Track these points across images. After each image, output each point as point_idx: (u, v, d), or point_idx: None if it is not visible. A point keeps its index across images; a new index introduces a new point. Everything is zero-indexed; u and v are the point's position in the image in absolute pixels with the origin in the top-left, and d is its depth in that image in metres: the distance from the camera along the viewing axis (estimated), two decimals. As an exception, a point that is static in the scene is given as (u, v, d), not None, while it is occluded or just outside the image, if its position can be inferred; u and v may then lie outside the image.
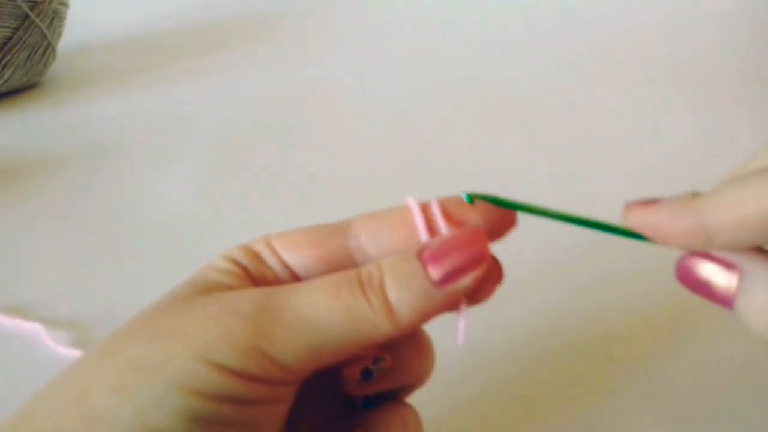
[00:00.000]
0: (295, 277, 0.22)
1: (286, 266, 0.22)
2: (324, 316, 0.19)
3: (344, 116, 0.57)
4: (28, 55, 0.59)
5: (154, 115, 0.58)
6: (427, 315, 0.19)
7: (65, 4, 0.63)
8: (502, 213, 0.22)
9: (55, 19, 0.61)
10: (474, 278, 0.19)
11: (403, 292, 0.19)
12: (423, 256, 0.19)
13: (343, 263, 0.21)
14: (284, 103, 0.60)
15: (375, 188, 0.46)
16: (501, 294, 0.21)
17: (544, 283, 0.36)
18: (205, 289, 0.20)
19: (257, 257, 0.22)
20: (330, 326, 0.19)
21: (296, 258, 0.22)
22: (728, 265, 0.18)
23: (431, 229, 0.21)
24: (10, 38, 0.58)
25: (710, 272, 0.19)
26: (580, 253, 0.38)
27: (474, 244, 0.20)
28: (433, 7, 0.85)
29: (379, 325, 0.19)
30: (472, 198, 0.21)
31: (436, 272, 0.19)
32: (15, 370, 0.32)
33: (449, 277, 0.19)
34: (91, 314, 0.36)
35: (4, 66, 0.58)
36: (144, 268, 0.39)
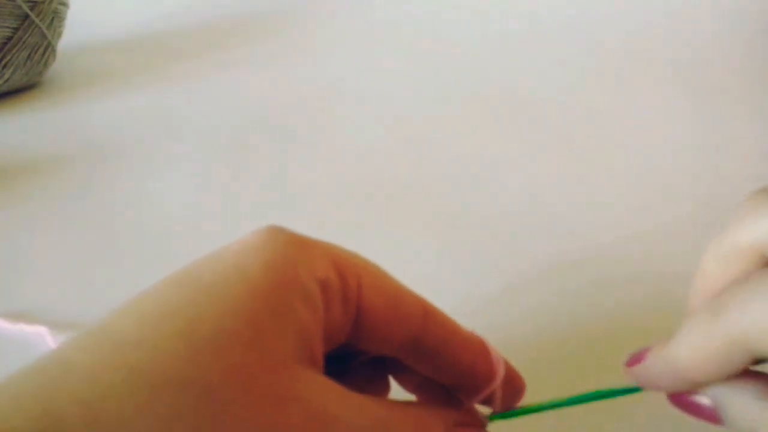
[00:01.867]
0: (355, 325, 0.20)
1: (356, 314, 0.20)
2: None
3: (344, 116, 0.57)
4: (28, 55, 0.59)
5: (154, 115, 0.58)
6: None
7: (65, 4, 0.63)
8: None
9: (55, 19, 0.61)
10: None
11: None
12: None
13: (403, 334, 0.21)
14: (284, 103, 0.60)
15: (376, 188, 0.46)
16: (503, 295, 0.21)
17: (544, 284, 0.36)
18: (278, 329, 0.17)
19: (346, 299, 0.19)
20: None
21: (370, 317, 0.20)
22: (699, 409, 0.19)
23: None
24: (10, 38, 0.58)
25: (696, 400, 0.20)
26: (581, 255, 0.38)
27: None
28: (434, 7, 0.85)
29: None
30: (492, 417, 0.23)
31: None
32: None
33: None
34: (94, 316, 0.36)
35: (4, 66, 0.58)
36: (144, 268, 0.39)
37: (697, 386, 0.19)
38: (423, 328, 0.21)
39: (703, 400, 0.19)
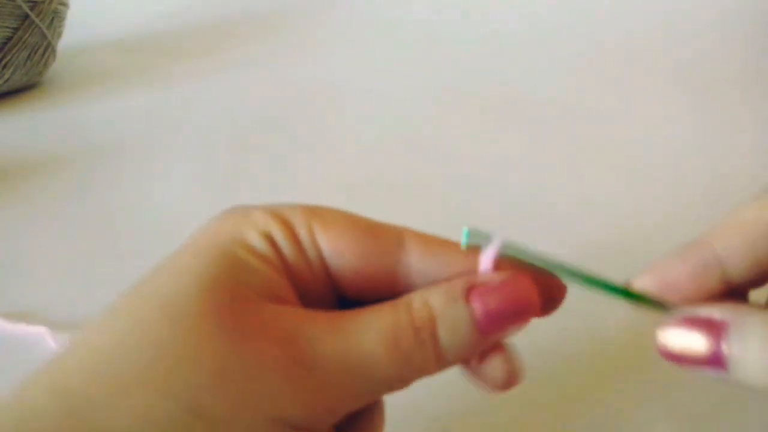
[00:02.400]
0: (326, 269, 0.21)
1: (321, 257, 0.21)
2: (381, 366, 0.19)
3: (344, 116, 0.57)
4: (28, 55, 0.59)
5: (154, 115, 0.58)
6: (469, 357, 0.20)
7: (65, 4, 0.63)
8: (552, 282, 0.21)
9: (55, 19, 0.61)
10: (520, 328, 0.20)
11: (453, 342, 0.19)
12: (473, 303, 0.19)
13: (384, 275, 0.21)
14: (284, 103, 0.60)
15: (376, 188, 0.46)
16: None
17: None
18: (240, 283, 0.19)
19: (297, 242, 0.21)
20: (382, 376, 0.19)
21: (336, 254, 0.21)
22: (709, 326, 0.18)
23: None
24: (10, 38, 0.58)
25: (685, 342, 0.18)
26: (581, 254, 0.38)
27: (523, 296, 0.20)
28: (434, 6, 0.85)
29: (426, 370, 0.19)
30: (469, 234, 0.20)
31: (485, 322, 0.19)
32: (21, 374, 0.32)
33: (498, 327, 0.20)
34: (95, 315, 0.36)
35: (4, 66, 0.58)
36: (144, 268, 0.39)
37: (731, 276, 0.18)
38: (403, 252, 0.21)
39: (715, 314, 0.18)
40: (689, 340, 0.18)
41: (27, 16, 0.58)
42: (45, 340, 0.34)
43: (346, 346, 0.18)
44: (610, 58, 0.67)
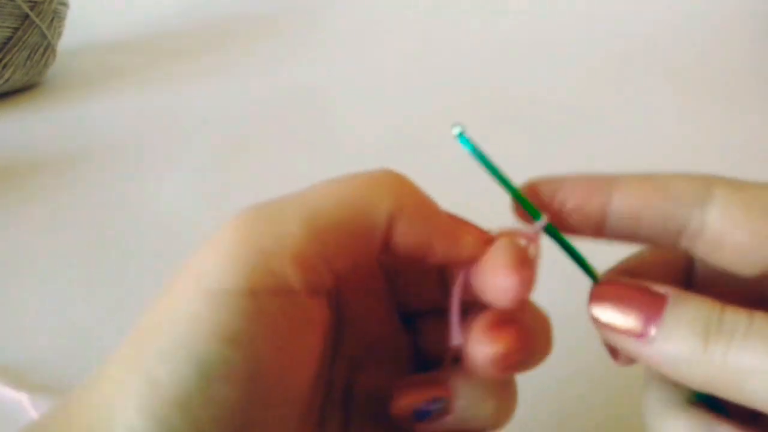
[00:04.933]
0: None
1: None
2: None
3: (345, 116, 0.57)
4: (28, 55, 0.59)
5: (154, 115, 0.58)
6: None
7: (65, 4, 0.63)
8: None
9: (55, 19, 0.61)
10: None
11: None
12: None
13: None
14: (284, 103, 0.60)
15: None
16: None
17: (545, 285, 0.36)
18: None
19: (323, 252, 0.19)
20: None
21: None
22: (647, 295, 0.18)
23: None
24: (10, 38, 0.58)
25: (618, 304, 0.18)
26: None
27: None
28: (433, 8, 0.85)
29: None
30: (462, 135, 0.21)
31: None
32: None
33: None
34: (96, 314, 0.36)
35: (4, 66, 0.58)
36: (144, 268, 0.39)
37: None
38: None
39: (660, 289, 0.18)
40: (621, 306, 0.18)
41: (27, 16, 0.58)
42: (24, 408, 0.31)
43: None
44: (611, 58, 0.67)
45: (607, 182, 0.20)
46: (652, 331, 0.17)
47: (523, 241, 0.20)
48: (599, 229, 0.20)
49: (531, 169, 0.52)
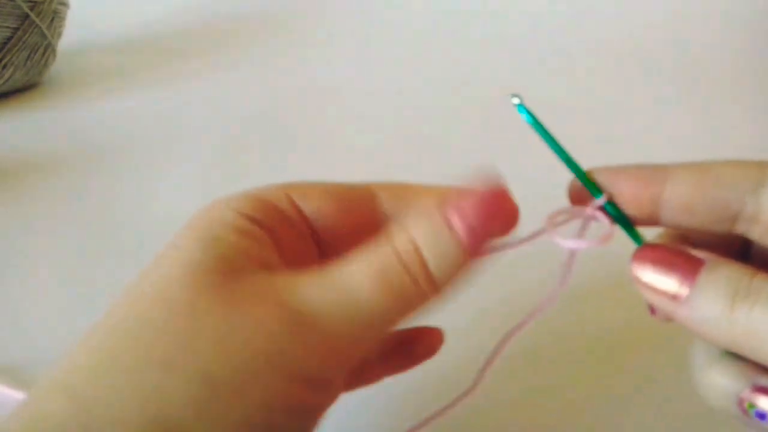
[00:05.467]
0: (312, 232, 0.22)
1: (305, 220, 0.21)
2: (375, 305, 0.19)
3: (344, 116, 0.57)
4: (28, 55, 0.59)
5: (154, 115, 0.58)
6: (460, 276, 0.20)
7: (65, 4, 0.63)
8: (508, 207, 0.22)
9: (55, 19, 0.61)
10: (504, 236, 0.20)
11: (442, 265, 0.19)
12: (454, 223, 0.19)
13: (365, 226, 0.22)
14: (284, 103, 0.60)
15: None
16: (506, 296, 0.21)
17: (545, 286, 0.36)
18: (225, 260, 0.19)
19: (277, 211, 0.21)
20: (378, 313, 0.19)
21: (318, 215, 0.22)
22: (685, 259, 0.19)
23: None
24: (10, 38, 0.58)
25: (659, 266, 0.19)
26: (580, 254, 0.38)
27: (501, 205, 0.20)
28: (433, 6, 0.85)
29: (423, 298, 0.19)
30: (521, 104, 0.22)
31: (469, 239, 0.19)
32: None
33: (482, 239, 0.20)
34: (94, 314, 0.36)
35: (4, 66, 0.58)
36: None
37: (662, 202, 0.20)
38: (376, 201, 0.22)
39: (698, 254, 0.19)
40: (661, 268, 0.19)
41: (27, 16, 0.58)
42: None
43: (336, 294, 0.19)
44: (610, 57, 0.67)
45: (659, 172, 0.20)
46: (686, 292, 0.18)
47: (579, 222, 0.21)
48: (654, 218, 0.20)
49: (533, 170, 0.52)
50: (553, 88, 0.61)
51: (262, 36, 0.76)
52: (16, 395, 0.31)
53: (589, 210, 0.21)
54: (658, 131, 0.53)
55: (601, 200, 0.21)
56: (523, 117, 0.22)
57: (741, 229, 0.20)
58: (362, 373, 0.24)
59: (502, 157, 0.51)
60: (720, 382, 0.18)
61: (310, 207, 0.22)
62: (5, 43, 0.58)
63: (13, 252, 0.41)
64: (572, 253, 0.21)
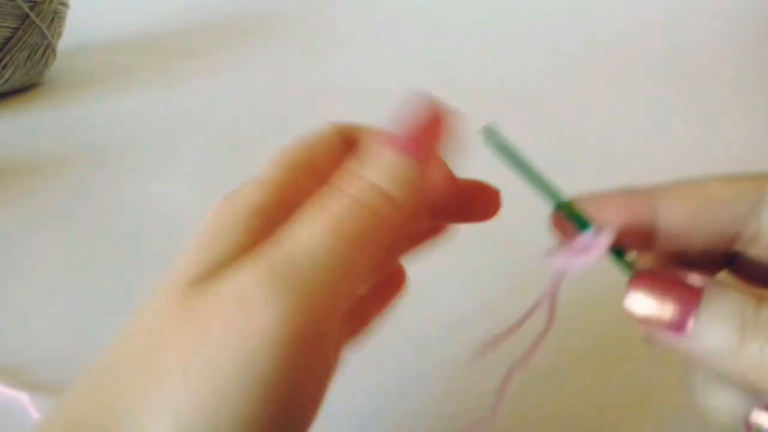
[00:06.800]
0: None
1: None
2: (339, 257, 0.18)
3: (344, 116, 0.57)
4: (28, 55, 0.59)
5: (154, 115, 0.58)
6: (429, 192, 0.21)
7: (65, 4, 0.63)
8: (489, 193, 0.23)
9: (55, 19, 0.61)
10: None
11: (403, 187, 0.19)
12: (396, 144, 0.20)
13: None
14: (284, 103, 0.60)
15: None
16: (506, 296, 0.21)
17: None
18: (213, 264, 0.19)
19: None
20: (349, 265, 0.18)
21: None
22: (683, 287, 0.17)
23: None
24: (10, 38, 0.58)
25: (656, 299, 0.18)
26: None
27: (433, 110, 0.22)
28: (433, 6, 0.85)
29: (398, 225, 0.19)
30: (488, 132, 0.21)
31: (415, 149, 0.20)
32: None
33: (429, 144, 0.21)
34: (95, 315, 0.36)
35: (4, 66, 0.58)
36: (145, 268, 0.39)
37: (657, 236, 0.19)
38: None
39: (696, 281, 0.17)
40: (658, 298, 0.18)
41: (27, 16, 0.58)
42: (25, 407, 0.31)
43: (300, 258, 0.17)
44: (609, 57, 0.67)
45: (650, 198, 0.19)
46: (689, 324, 0.17)
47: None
48: (648, 245, 0.19)
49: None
50: (554, 88, 0.61)
51: (263, 36, 0.76)
52: (17, 395, 0.31)
53: (589, 240, 0.19)
54: (657, 131, 0.53)
55: (593, 232, 0.19)
56: (493, 150, 0.21)
57: (739, 248, 0.19)
58: (359, 313, 0.24)
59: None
60: (725, 404, 0.18)
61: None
62: (5, 43, 0.58)
63: (13, 252, 0.41)
64: (561, 276, 0.20)
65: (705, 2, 0.81)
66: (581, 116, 0.55)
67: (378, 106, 0.62)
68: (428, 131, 0.21)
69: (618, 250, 0.19)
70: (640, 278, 0.18)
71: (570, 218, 0.20)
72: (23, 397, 0.31)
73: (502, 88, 0.61)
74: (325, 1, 0.89)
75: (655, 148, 0.50)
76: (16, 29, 0.58)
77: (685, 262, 0.20)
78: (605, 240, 0.19)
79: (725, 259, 0.20)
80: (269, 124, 0.56)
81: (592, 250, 0.19)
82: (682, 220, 0.19)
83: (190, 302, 0.17)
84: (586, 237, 0.19)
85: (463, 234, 0.26)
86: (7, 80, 0.59)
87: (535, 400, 0.30)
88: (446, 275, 0.36)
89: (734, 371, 0.17)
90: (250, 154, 0.53)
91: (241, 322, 0.16)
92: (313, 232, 0.18)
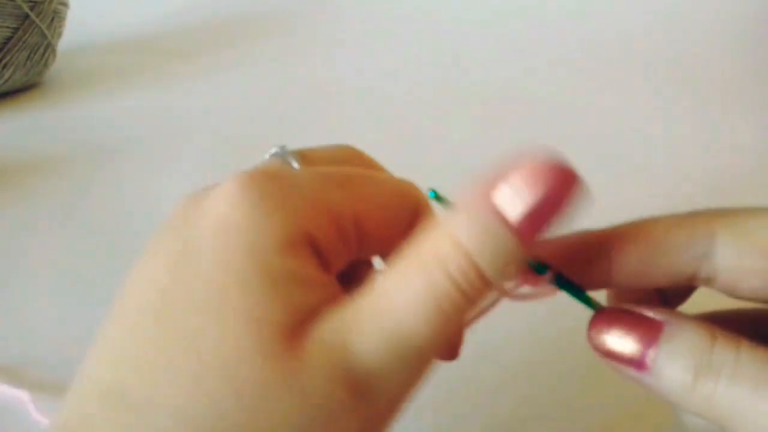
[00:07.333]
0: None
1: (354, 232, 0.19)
2: (430, 342, 0.16)
3: (345, 116, 0.57)
4: (28, 55, 0.59)
5: (154, 115, 0.58)
6: (521, 270, 0.19)
7: (65, 4, 0.63)
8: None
9: (55, 19, 0.61)
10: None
11: (498, 268, 0.16)
12: (504, 211, 0.16)
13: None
14: (284, 103, 0.60)
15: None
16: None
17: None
18: (291, 310, 0.16)
19: (333, 238, 0.18)
20: (432, 348, 0.17)
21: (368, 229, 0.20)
22: (644, 323, 0.18)
23: None
24: (10, 38, 0.58)
25: (617, 335, 0.18)
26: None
27: (559, 177, 0.17)
28: (434, 7, 0.85)
29: (483, 308, 0.19)
30: (436, 195, 0.20)
31: (526, 227, 0.16)
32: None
33: (543, 224, 0.17)
34: (95, 315, 0.36)
35: (4, 66, 0.58)
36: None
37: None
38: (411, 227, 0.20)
39: (657, 316, 0.18)
40: (621, 335, 0.18)
41: (27, 16, 0.58)
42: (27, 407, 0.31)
43: (391, 341, 0.16)
44: (609, 58, 0.67)
45: (603, 244, 0.19)
46: (649, 360, 0.17)
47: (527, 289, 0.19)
48: (607, 284, 0.20)
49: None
50: (554, 88, 0.61)
51: (262, 36, 0.76)
52: (18, 393, 0.31)
53: (545, 287, 0.19)
54: (657, 131, 0.53)
55: (549, 276, 0.19)
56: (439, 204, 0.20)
57: (698, 284, 0.19)
58: None
59: (504, 155, 0.51)
60: (698, 421, 0.18)
61: (368, 221, 0.19)
62: (5, 43, 0.58)
63: (13, 252, 0.41)
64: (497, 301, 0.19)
65: (705, 2, 0.81)
66: (581, 116, 0.55)
67: (378, 106, 0.63)
68: (547, 206, 0.16)
69: (577, 289, 0.20)
70: (601, 316, 0.19)
71: (528, 265, 0.20)
72: (24, 396, 0.31)
73: (502, 88, 0.61)
74: (325, 1, 0.89)
75: (655, 148, 0.50)
76: (16, 29, 0.58)
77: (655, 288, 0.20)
78: (550, 288, 0.19)
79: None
80: (269, 124, 0.56)
81: (542, 290, 0.19)
82: (635, 266, 0.19)
83: (295, 369, 0.16)
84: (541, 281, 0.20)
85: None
86: (7, 80, 0.59)
87: (536, 409, 0.30)
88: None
89: (690, 408, 0.17)
90: (250, 154, 0.53)
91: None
92: (413, 299, 0.16)
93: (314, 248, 0.18)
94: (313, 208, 0.18)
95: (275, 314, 0.16)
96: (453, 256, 0.16)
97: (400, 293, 0.16)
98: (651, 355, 0.17)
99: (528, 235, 0.16)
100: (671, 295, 0.21)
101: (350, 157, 0.24)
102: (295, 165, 0.21)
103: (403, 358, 0.16)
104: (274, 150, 0.21)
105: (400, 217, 0.21)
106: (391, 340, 0.16)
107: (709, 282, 0.19)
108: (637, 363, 0.18)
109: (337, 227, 0.19)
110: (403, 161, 0.49)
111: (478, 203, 0.17)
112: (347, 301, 0.17)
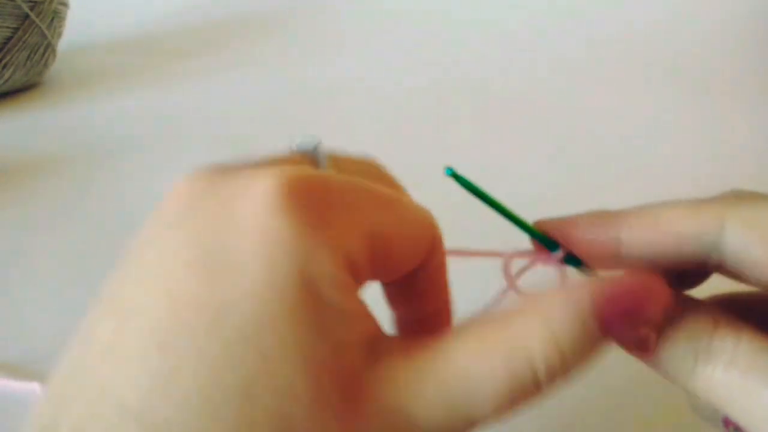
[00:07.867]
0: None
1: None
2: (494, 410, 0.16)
3: (345, 116, 0.57)
4: (28, 55, 0.59)
5: (154, 115, 0.58)
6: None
7: (65, 4, 0.63)
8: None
9: (55, 19, 0.61)
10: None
11: (577, 360, 0.16)
12: (600, 316, 0.17)
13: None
14: (284, 102, 0.60)
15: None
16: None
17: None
18: (344, 360, 0.15)
19: (368, 261, 0.18)
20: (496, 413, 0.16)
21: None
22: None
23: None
24: (10, 38, 0.58)
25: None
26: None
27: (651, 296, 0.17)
28: (434, 7, 0.85)
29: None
30: (453, 172, 0.21)
31: (609, 325, 0.17)
32: None
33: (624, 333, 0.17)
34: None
35: (4, 66, 0.58)
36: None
37: (622, 263, 0.19)
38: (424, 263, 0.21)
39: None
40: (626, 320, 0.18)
41: (27, 16, 0.58)
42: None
43: (453, 412, 0.16)
44: (609, 57, 0.67)
45: (612, 225, 0.20)
46: (651, 346, 0.18)
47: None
48: (615, 266, 0.20)
49: (532, 167, 0.52)
50: (554, 88, 0.61)
51: (263, 36, 0.76)
52: (28, 386, 0.31)
53: (553, 261, 0.20)
54: (658, 131, 0.53)
55: (559, 254, 0.20)
56: (460, 185, 0.21)
57: (709, 271, 0.20)
58: None
59: (503, 156, 0.51)
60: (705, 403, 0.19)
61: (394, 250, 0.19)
62: (5, 43, 0.58)
63: (13, 251, 0.41)
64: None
65: (705, 2, 0.81)
66: (581, 116, 0.55)
67: (378, 106, 0.63)
68: (632, 311, 0.17)
69: (585, 267, 0.21)
70: (606, 300, 0.18)
71: (541, 242, 0.21)
72: (34, 387, 0.31)
73: (502, 88, 0.61)
74: (325, 1, 0.89)
75: (655, 148, 0.50)
76: (16, 29, 0.58)
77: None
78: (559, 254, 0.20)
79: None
80: (269, 124, 0.56)
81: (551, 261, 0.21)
82: (644, 251, 0.19)
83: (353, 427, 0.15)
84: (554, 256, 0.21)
85: (461, 232, 0.26)
86: (7, 80, 0.59)
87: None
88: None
89: (692, 391, 0.18)
90: (250, 154, 0.53)
91: None
92: (490, 386, 0.16)
93: (353, 272, 0.17)
94: (356, 227, 0.17)
95: (330, 359, 0.15)
96: (546, 354, 0.16)
97: (478, 374, 0.16)
98: (654, 339, 0.18)
99: (612, 337, 0.17)
100: (687, 276, 0.21)
101: (376, 173, 0.24)
102: (324, 166, 0.20)
103: (457, 429, 0.16)
104: (299, 139, 0.20)
105: (420, 247, 0.21)
106: (454, 411, 0.16)
107: (719, 269, 0.19)
108: (641, 347, 0.18)
109: (371, 250, 0.18)
110: (403, 161, 0.49)
111: (582, 303, 0.17)
112: (405, 357, 0.16)
